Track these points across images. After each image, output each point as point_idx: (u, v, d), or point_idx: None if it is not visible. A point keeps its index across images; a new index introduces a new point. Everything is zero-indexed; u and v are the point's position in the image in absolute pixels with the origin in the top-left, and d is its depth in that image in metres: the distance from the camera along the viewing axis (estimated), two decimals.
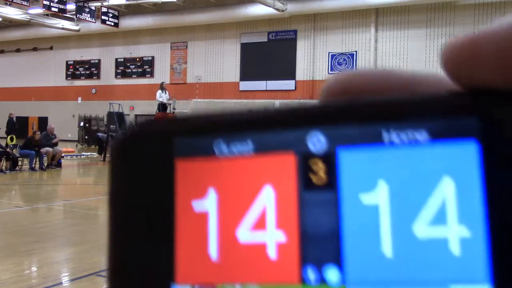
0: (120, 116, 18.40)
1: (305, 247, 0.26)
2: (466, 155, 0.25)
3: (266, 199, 0.27)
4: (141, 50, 31.56)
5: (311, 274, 0.26)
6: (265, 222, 0.27)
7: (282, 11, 25.11)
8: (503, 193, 0.24)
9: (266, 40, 27.96)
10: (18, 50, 36.21)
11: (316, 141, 0.27)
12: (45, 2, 23.31)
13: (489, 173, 0.25)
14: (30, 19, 28.82)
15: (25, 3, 23.50)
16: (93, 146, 24.49)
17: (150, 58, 31.30)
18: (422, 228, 0.25)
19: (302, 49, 26.88)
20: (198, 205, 0.27)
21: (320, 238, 0.26)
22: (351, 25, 25.79)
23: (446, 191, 0.25)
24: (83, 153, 20.53)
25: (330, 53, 26.21)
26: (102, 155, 15.71)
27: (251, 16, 26.71)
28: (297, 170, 0.27)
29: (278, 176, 0.27)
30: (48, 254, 4.97)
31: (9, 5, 26.43)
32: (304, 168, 0.26)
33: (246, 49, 28.45)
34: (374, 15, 25.08)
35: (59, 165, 13.73)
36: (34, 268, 4.54)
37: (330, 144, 0.26)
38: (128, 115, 29.28)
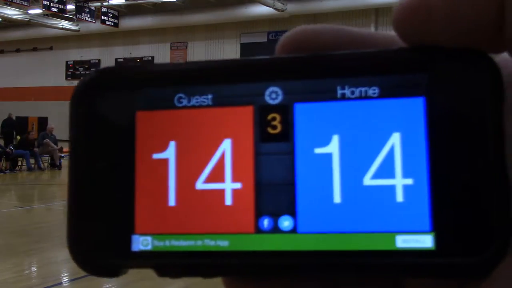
0: None
1: (261, 197, 0.27)
2: (414, 110, 0.26)
3: (225, 150, 0.27)
4: (141, 50, 31.56)
5: (265, 223, 0.27)
6: (223, 173, 0.27)
7: (282, 11, 25.11)
8: (445, 146, 0.25)
9: (266, 40, 27.95)
10: (18, 50, 36.21)
11: (274, 95, 0.27)
12: (45, 2, 23.31)
13: (433, 126, 0.25)
14: (30, 19, 28.81)
15: (25, 3, 23.49)
16: None
17: (150, 58, 31.29)
18: (371, 178, 0.26)
19: None
20: (159, 158, 0.28)
21: (275, 188, 0.27)
22: (351, 25, 25.43)
23: (394, 144, 0.26)
24: None
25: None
26: None
27: (251, 16, 26.71)
28: (255, 123, 0.27)
29: (236, 128, 0.27)
30: (48, 254, 4.97)
31: (9, 5, 26.42)
32: (261, 121, 0.27)
33: (246, 49, 28.44)
34: (374, 15, 25.07)
35: (59, 165, 13.73)
36: (34, 268, 4.54)
37: (287, 98, 0.27)
38: None
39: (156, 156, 0.27)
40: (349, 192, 0.26)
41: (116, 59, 32.42)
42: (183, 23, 29.02)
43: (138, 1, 26.97)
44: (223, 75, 0.28)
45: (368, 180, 0.26)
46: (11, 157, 12.66)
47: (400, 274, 0.26)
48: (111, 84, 0.28)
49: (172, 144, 0.27)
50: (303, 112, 0.27)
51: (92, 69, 33.55)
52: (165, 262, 0.27)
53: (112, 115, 0.28)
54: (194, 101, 0.28)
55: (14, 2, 23.53)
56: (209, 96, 0.28)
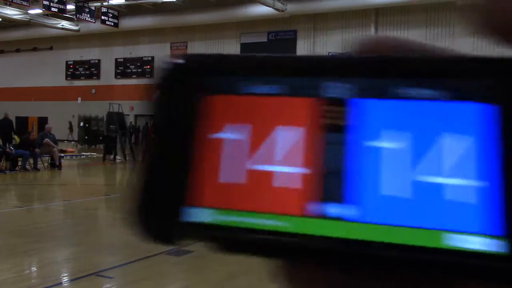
0: (120, 116, 18.32)
1: (319, 183, 0.28)
2: (485, 114, 0.26)
3: (285, 136, 0.29)
4: (141, 50, 31.53)
5: (313, 208, 0.28)
6: (281, 157, 0.29)
7: (282, 11, 25.09)
8: None
9: (266, 40, 27.94)
10: (18, 50, 36.16)
11: (336, 90, 0.28)
12: (45, 2, 23.29)
13: (506, 132, 0.25)
14: (30, 19, 28.77)
15: (25, 3, 23.48)
16: (93, 146, 24.48)
17: (150, 58, 31.27)
18: (429, 176, 0.26)
19: (302, 49, 26.85)
20: (223, 137, 0.30)
21: (327, 175, 0.28)
22: (351, 25, 25.79)
23: (460, 145, 0.26)
24: (83, 153, 20.49)
25: (330, 53, 26.08)
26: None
27: (251, 16, 26.68)
28: (315, 114, 0.28)
29: (296, 117, 0.29)
30: (48, 254, 4.97)
31: (9, 5, 26.39)
32: (321, 113, 0.28)
33: (246, 49, 28.41)
34: (374, 15, 25.06)
35: (59, 165, 13.73)
36: (34, 268, 4.54)
37: (350, 93, 0.28)
38: (128, 115, 29.24)
39: (220, 135, 0.29)
40: (402, 188, 0.27)
41: (116, 59, 32.40)
42: (183, 23, 28.98)
43: (138, 1, 26.93)
44: (289, 68, 0.29)
45: (426, 178, 0.26)
46: (11, 157, 12.67)
47: (462, 275, 0.26)
48: (187, 72, 0.31)
49: (234, 127, 0.29)
50: (364, 107, 0.28)
51: (92, 69, 33.28)
52: (220, 235, 0.29)
53: (183, 99, 0.30)
54: (259, 90, 0.29)
55: (14, 2, 23.51)
56: (275, 86, 0.29)
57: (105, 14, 27.01)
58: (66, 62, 34.30)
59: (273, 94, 0.29)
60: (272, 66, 0.30)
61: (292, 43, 27.10)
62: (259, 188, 0.29)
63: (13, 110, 34.76)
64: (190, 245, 5.26)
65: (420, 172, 0.26)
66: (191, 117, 0.30)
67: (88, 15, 25.98)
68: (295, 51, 26.84)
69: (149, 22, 29.34)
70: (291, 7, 25.17)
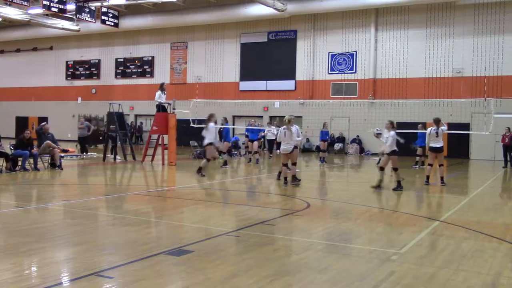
0: (120, 116, 18.30)
1: None
2: None
3: None
4: (141, 50, 31.59)
5: None
6: None
7: (282, 11, 25.10)
8: None
9: (266, 40, 27.99)
10: (18, 50, 36.21)
11: None
12: (45, 2, 23.27)
13: None
14: (30, 19, 28.79)
15: (25, 3, 23.46)
16: (92, 146, 24.46)
17: (150, 58, 31.29)
18: None
19: (302, 49, 26.86)
20: None
21: None
22: (351, 25, 25.79)
23: None
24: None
25: (330, 53, 26.19)
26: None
27: (251, 16, 26.70)
28: None
29: None
30: (48, 254, 4.97)
31: (9, 5, 26.39)
32: None
33: (246, 49, 28.48)
34: (374, 15, 25.08)
35: (60, 165, 13.70)
36: (34, 268, 4.54)
37: None
38: (128, 115, 29.30)
39: None
40: None
41: (116, 59, 32.43)
42: (183, 23, 28.99)
43: (138, 1, 26.94)
44: None
45: None
46: (11, 157, 12.66)
47: None
48: None
49: None
50: None
51: (92, 69, 33.22)
52: None
53: None
54: None
55: (14, 2, 23.48)
56: None
57: (105, 14, 26.99)
58: (66, 62, 34.33)
59: None
60: None
61: (292, 43, 27.12)
62: None
63: (13, 110, 34.78)
64: (190, 245, 5.28)
65: None
66: None
67: (88, 15, 25.96)
68: (295, 51, 26.90)
69: (149, 22, 29.36)
70: (291, 7, 25.18)
